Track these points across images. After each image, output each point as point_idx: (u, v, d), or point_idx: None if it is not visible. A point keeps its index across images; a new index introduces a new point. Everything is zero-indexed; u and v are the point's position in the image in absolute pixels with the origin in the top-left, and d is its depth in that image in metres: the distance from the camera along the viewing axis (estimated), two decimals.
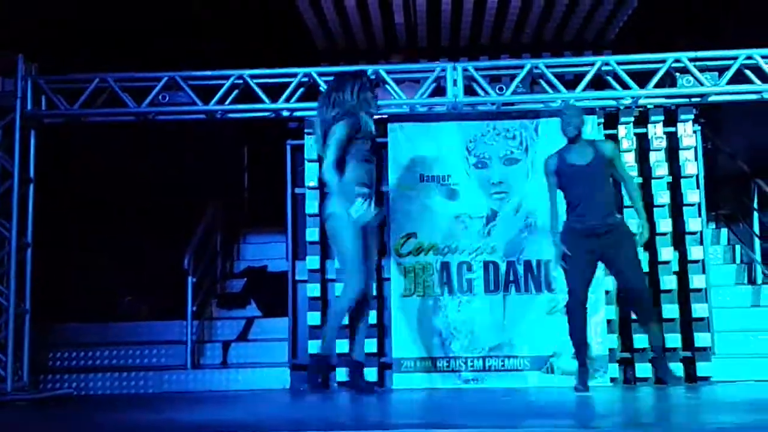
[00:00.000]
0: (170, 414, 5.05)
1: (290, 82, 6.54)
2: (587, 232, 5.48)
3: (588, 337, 5.69)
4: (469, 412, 4.91)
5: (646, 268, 6.44)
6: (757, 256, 7.25)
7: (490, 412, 4.85)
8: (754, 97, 6.48)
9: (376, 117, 5.69)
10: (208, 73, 6.61)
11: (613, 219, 5.57)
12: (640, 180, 6.54)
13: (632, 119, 6.60)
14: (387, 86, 6.48)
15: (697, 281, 6.39)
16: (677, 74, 6.41)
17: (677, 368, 6.28)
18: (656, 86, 6.40)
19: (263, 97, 6.54)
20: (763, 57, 6.31)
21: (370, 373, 6.40)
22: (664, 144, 6.59)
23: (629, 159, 6.52)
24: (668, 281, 6.39)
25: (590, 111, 6.45)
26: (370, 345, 6.39)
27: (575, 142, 5.61)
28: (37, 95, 6.58)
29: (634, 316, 6.17)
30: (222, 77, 6.57)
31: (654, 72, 6.38)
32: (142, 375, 6.54)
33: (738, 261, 7.43)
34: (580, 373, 5.61)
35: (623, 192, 6.04)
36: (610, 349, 6.26)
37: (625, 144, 6.55)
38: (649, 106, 6.57)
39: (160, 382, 6.52)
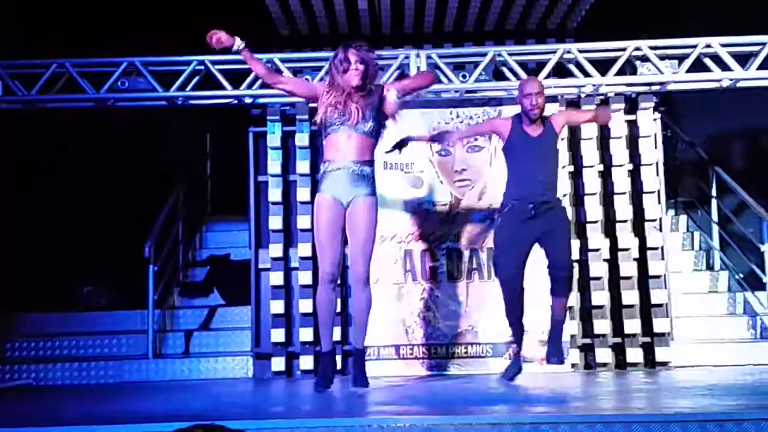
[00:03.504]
0: (132, 404, 5.01)
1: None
2: (526, 209, 5.23)
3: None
4: (433, 399, 4.94)
5: (606, 254, 6.53)
6: (715, 243, 7.36)
7: (453, 399, 4.88)
8: (713, 85, 6.55)
9: None
10: (169, 58, 6.53)
11: (552, 198, 5.32)
12: (600, 168, 6.61)
13: (593, 107, 6.65)
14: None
15: (656, 268, 6.47)
16: (638, 62, 6.47)
17: (636, 354, 6.37)
18: (617, 74, 6.45)
19: (225, 83, 6.48)
20: (722, 45, 6.38)
21: None
22: (624, 132, 6.64)
23: (590, 146, 6.58)
24: (628, 268, 6.46)
25: (552, 99, 6.48)
26: (334, 333, 6.38)
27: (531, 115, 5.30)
28: None
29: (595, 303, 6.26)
30: (183, 63, 6.50)
31: (615, 60, 6.44)
32: (102, 365, 6.46)
33: (697, 247, 7.54)
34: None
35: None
36: (571, 336, 6.32)
37: (586, 132, 6.60)
38: (609, 94, 6.63)
39: (121, 372, 6.44)
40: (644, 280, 6.49)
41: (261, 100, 6.63)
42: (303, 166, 6.59)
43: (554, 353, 5.39)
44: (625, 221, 6.52)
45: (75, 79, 6.42)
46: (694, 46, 6.38)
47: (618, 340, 6.44)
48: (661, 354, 6.37)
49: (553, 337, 5.41)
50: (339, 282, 5.25)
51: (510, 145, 5.37)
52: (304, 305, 6.47)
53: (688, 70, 6.41)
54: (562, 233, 5.32)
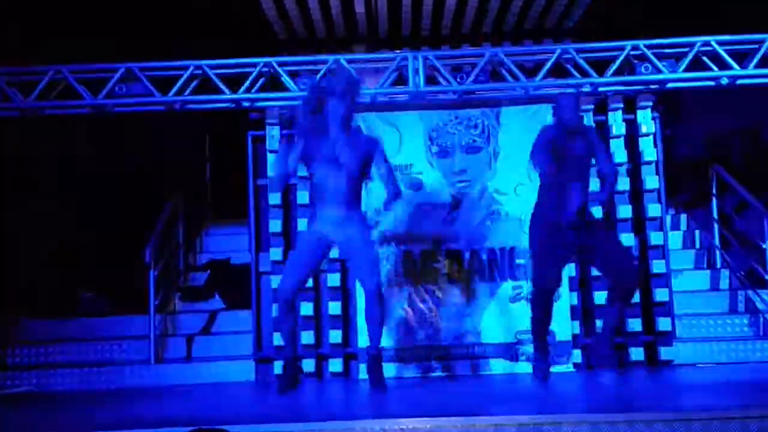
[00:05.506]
0: (134, 409, 5.00)
1: (250, 72, 6.48)
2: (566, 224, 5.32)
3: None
4: (435, 400, 4.93)
5: None
6: (716, 241, 7.35)
7: (455, 400, 4.87)
8: (711, 83, 6.55)
9: None
10: (166, 63, 6.51)
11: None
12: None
13: (592, 107, 6.65)
14: None
15: (657, 266, 6.47)
16: (636, 62, 6.47)
17: (638, 353, 6.36)
18: (615, 74, 6.44)
19: (223, 87, 6.47)
20: (719, 43, 6.38)
21: (335, 364, 6.41)
22: (623, 131, 6.64)
23: None
24: None
25: (550, 99, 6.47)
26: (336, 336, 6.39)
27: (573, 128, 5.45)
28: None
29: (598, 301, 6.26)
30: (180, 68, 6.48)
31: (613, 60, 6.43)
32: (104, 370, 6.44)
33: (697, 246, 7.53)
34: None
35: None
36: (573, 335, 6.31)
37: None
38: (608, 94, 6.62)
39: (122, 377, 6.43)
40: (646, 279, 6.49)
41: (259, 104, 6.62)
42: (302, 169, 6.57)
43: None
44: (626, 220, 6.51)
45: (72, 85, 6.42)
46: (692, 45, 6.38)
47: (620, 339, 6.42)
48: (663, 353, 6.36)
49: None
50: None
51: None
52: (305, 308, 6.46)
53: (687, 69, 6.40)
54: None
